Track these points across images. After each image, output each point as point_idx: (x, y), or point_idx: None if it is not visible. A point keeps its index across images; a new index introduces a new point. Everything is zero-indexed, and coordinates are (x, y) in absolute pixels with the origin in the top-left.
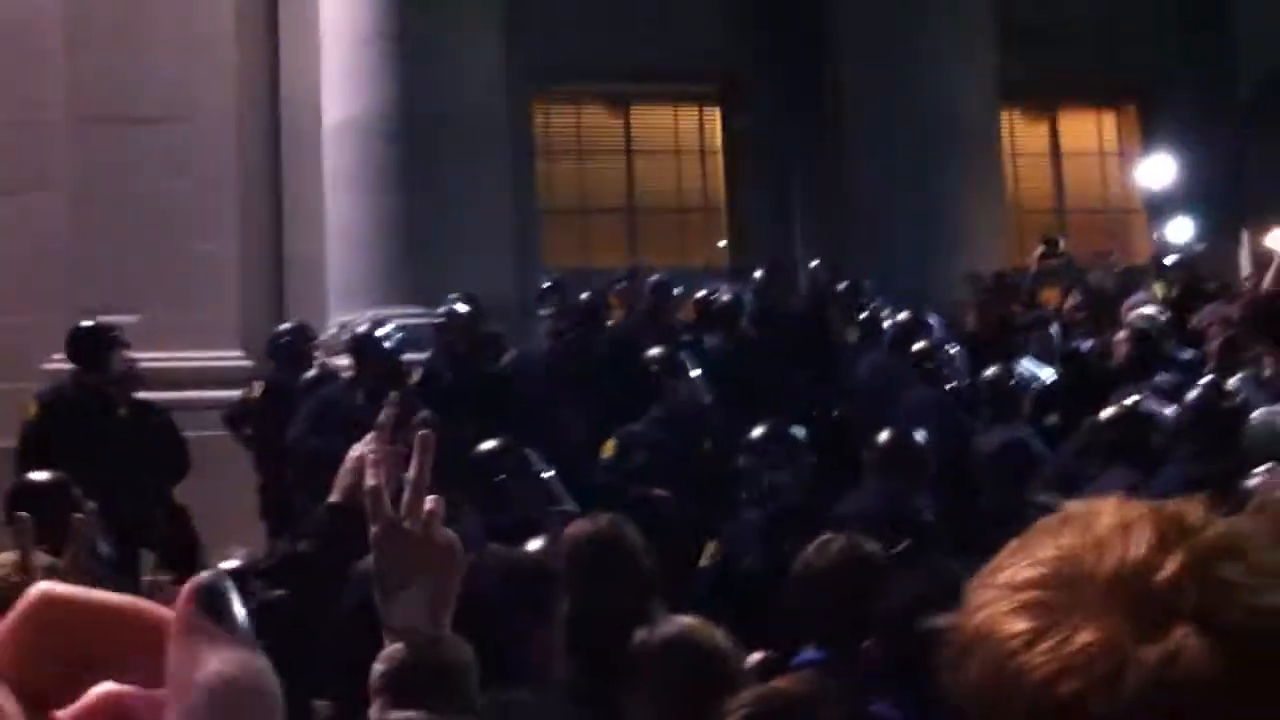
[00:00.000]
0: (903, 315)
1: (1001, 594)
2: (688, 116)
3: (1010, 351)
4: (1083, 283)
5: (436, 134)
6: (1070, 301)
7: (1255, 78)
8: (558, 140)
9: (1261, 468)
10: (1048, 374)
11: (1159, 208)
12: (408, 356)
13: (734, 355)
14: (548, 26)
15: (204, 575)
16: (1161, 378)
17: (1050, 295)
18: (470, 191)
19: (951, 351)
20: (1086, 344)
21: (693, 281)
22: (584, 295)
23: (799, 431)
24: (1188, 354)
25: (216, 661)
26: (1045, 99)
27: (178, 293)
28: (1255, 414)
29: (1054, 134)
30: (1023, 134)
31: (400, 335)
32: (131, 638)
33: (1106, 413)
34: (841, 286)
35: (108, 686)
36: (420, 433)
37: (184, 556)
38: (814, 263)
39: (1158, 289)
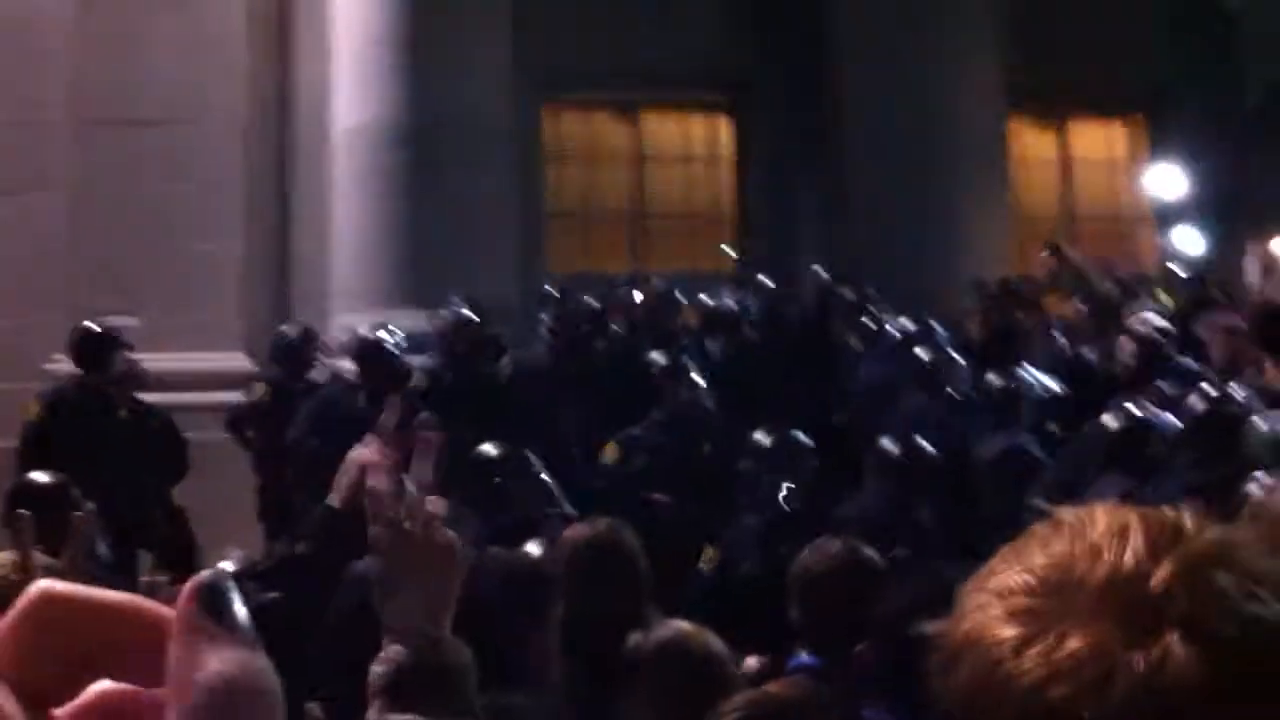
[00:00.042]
0: (906, 321)
1: (992, 600)
2: (697, 124)
3: (1013, 358)
4: (1088, 290)
5: (443, 139)
6: (1074, 308)
7: (1261, 87)
8: (567, 146)
9: (1261, 475)
10: (1050, 381)
11: (1167, 217)
12: (410, 359)
13: (736, 360)
14: (556, 32)
15: (205, 574)
16: (1164, 385)
17: (1055, 302)
18: (476, 196)
19: (954, 358)
20: (1090, 351)
21: (701, 287)
22: (586, 299)
23: (802, 437)
24: (1191, 362)
25: (217, 661)
26: (1054, 108)
27: (180, 294)
28: (1256, 422)
29: (1062, 143)
30: (1031, 143)
31: (403, 338)
32: (131, 637)
33: (1107, 419)
34: (845, 292)
35: (106, 685)
36: (422, 435)
37: (181, 558)
38: (817, 268)
39: (1163, 297)
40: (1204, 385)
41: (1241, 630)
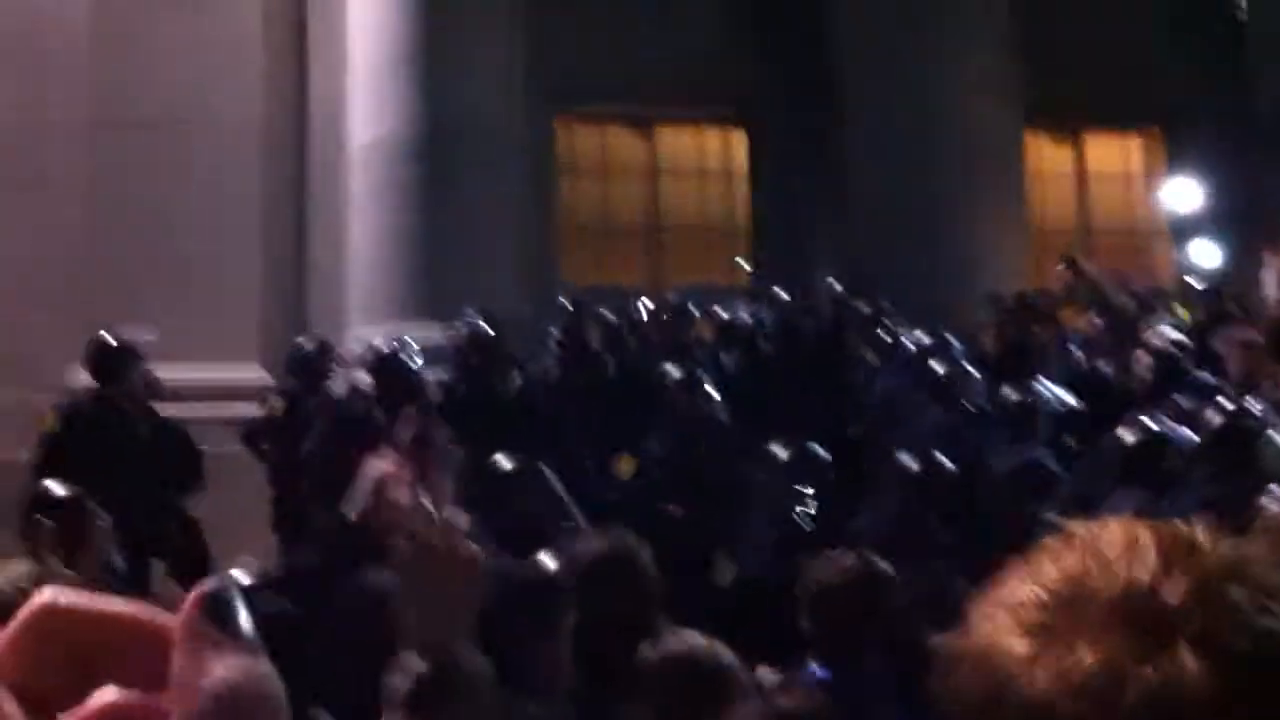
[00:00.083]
0: (922, 335)
1: (1003, 613)
2: (711, 137)
3: (1029, 372)
4: (1104, 303)
5: (458, 153)
6: (1091, 322)
7: (1274, 100)
8: (580, 160)
9: (1276, 489)
10: (1066, 395)
11: (1183, 231)
12: (425, 372)
13: (751, 373)
14: (568, 47)
15: (209, 582)
16: (1181, 399)
17: (1071, 316)
18: (490, 210)
19: (969, 372)
20: (1106, 365)
21: (715, 300)
22: (600, 311)
23: (819, 449)
24: (1208, 376)
25: (221, 668)
26: (1070, 122)
27: (196, 306)
28: (1272, 436)
29: (1079, 157)
30: (1047, 157)
31: (418, 351)
32: (133, 644)
33: (1123, 433)
34: (860, 305)
35: (110, 692)
36: (445, 449)
37: (195, 569)
38: (831, 281)
39: (1180, 311)
40: (1220, 399)
41: (1254, 644)
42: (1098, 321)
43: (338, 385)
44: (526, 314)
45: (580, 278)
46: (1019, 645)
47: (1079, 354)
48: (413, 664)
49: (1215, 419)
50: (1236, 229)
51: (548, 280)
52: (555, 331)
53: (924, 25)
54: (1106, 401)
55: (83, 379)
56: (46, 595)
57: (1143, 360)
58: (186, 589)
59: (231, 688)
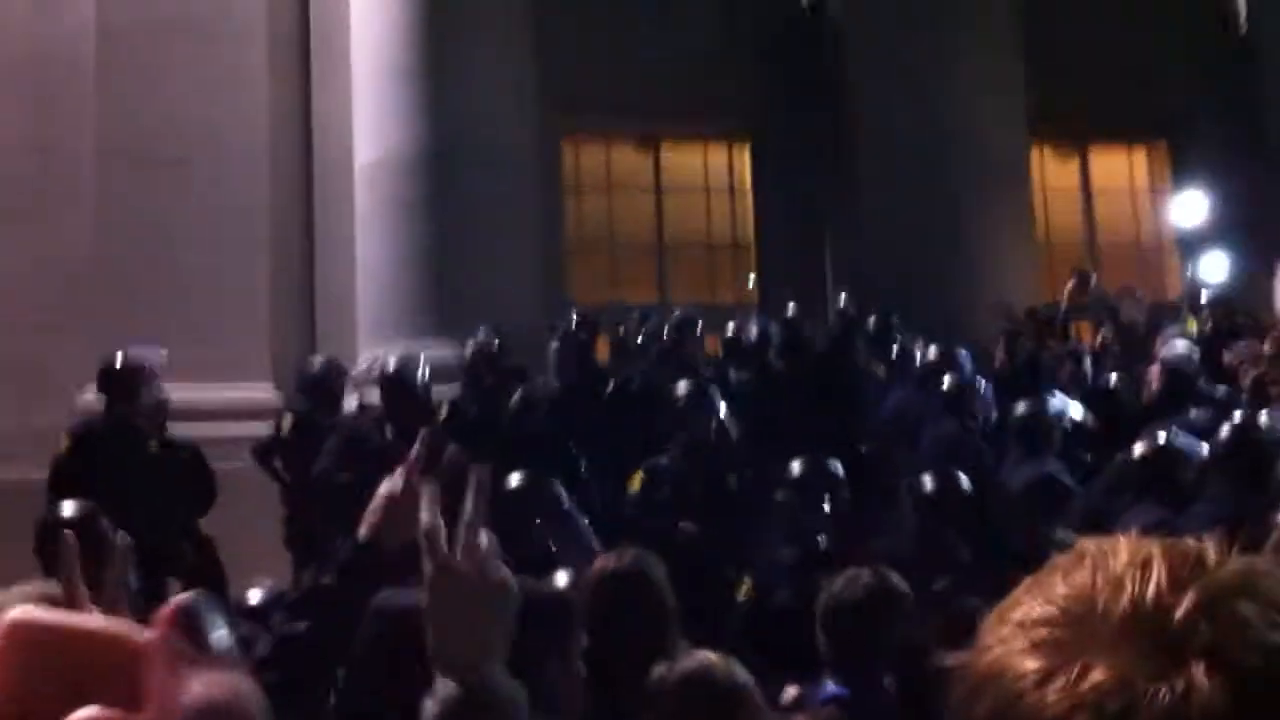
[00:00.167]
0: (932, 350)
1: (1014, 632)
2: (717, 154)
3: (1040, 386)
4: (1114, 317)
5: (465, 170)
6: (1101, 336)
7: None
8: (587, 176)
9: None
10: (1078, 409)
11: (1191, 244)
12: (435, 389)
13: (760, 389)
14: (574, 64)
15: (182, 598)
16: (1193, 414)
17: (1082, 330)
18: (498, 227)
19: (980, 386)
20: (1118, 379)
21: (723, 316)
22: (614, 325)
23: (836, 466)
24: (1220, 391)
25: (199, 684)
26: (1075, 136)
27: (208, 326)
28: None
29: (1085, 170)
30: (1053, 170)
31: (429, 370)
32: (112, 661)
33: (1136, 448)
34: (870, 321)
35: (91, 711)
36: (476, 470)
37: (210, 587)
38: (841, 297)
39: (1191, 325)
40: (1233, 413)
41: (1265, 660)
42: (1109, 336)
43: (349, 404)
44: (536, 331)
45: (589, 295)
46: (1030, 663)
47: (1090, 368)
48: (443, 688)
49: (1228, 433)
50: (1244, 241)
51: (556, 298)
52: (560, 347)
53: (930, 41)
54: (1118, 416)
55: (94, 399)
56: (20, 610)
57: (1154, 374)
58: None
59: (209, 703)
